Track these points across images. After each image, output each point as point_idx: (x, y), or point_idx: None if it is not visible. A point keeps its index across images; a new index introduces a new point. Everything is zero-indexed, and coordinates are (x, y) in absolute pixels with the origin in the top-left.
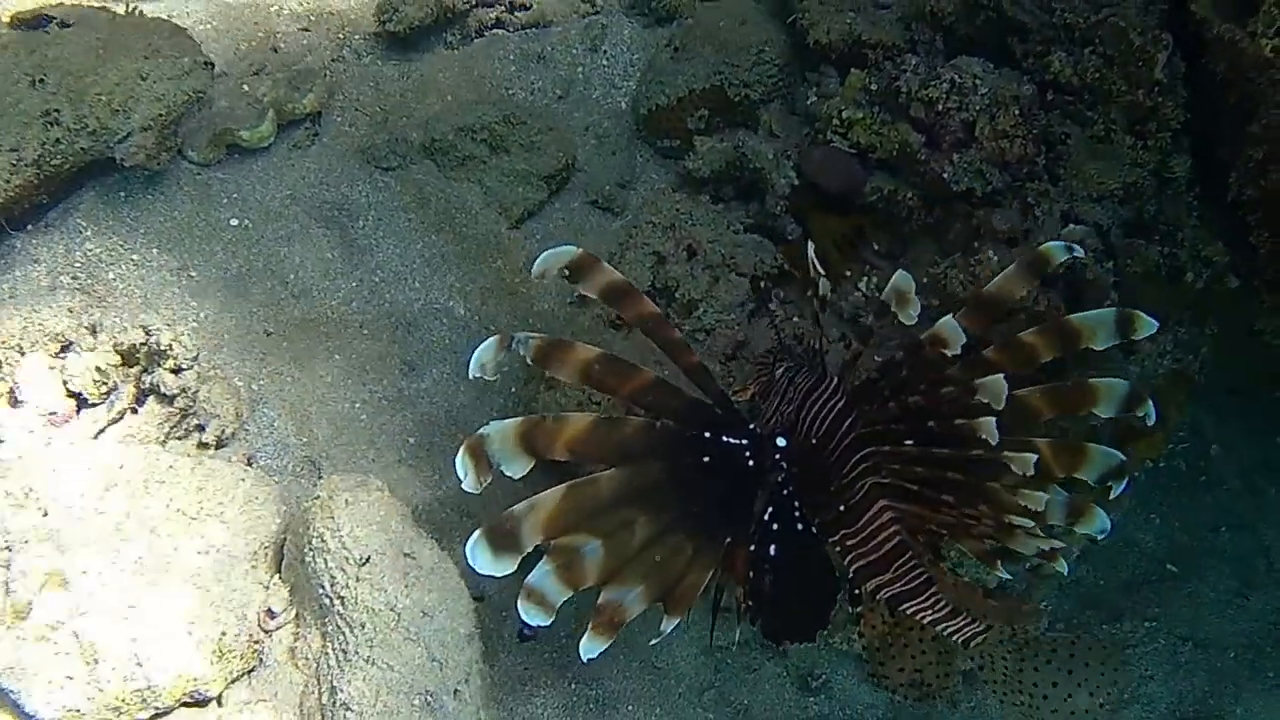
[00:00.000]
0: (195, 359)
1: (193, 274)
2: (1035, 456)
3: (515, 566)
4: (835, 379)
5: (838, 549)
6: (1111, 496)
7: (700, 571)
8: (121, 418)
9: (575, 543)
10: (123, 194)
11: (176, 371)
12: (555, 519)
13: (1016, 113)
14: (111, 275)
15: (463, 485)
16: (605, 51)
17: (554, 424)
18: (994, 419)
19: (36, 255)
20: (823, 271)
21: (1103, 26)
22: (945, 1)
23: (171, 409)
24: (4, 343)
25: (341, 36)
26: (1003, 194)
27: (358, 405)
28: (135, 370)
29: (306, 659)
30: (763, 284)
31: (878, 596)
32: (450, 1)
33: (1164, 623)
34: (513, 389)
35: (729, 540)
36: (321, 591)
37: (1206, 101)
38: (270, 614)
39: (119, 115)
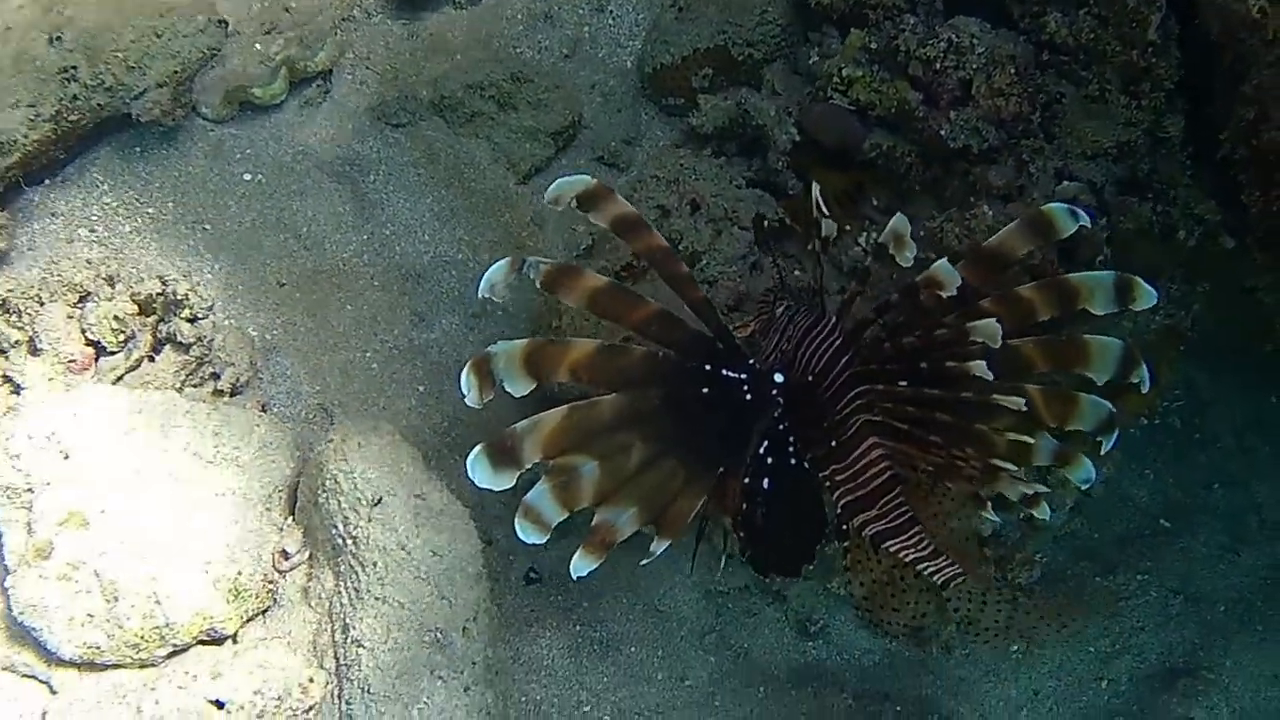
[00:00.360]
0: (211, 309)
1: (207, 227)
2: (1024, 400)
3: (513, 482)
4: (833, 318)
5: (828, 484)
6: (1102, 451)
7: (692, 498)
8: (139, 365)
9: (573, 463)
10: (138, 149)
11: (192, 320)
12: (555, 438)
13: (1012, 71)
14: (128, 228)
15: (465, 400)
16: (611, 11)
17: (559, 346)
18: (985, 361)
19: (54, 209)
20: (826, 212)
21: None
22: None
23: (187, 357)
24: (24, 293)
25: None
26: (999, 151)
27: (369, 354)
28: (152, 319)
29: (319, 598)
30: (766, 223)
31: (863, 533)
32: None
33: (1155, 576)
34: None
35: (721, 470)
36: (335, 532)
37: (1199, 62)
38: (285, 555)
39: (134, 72)
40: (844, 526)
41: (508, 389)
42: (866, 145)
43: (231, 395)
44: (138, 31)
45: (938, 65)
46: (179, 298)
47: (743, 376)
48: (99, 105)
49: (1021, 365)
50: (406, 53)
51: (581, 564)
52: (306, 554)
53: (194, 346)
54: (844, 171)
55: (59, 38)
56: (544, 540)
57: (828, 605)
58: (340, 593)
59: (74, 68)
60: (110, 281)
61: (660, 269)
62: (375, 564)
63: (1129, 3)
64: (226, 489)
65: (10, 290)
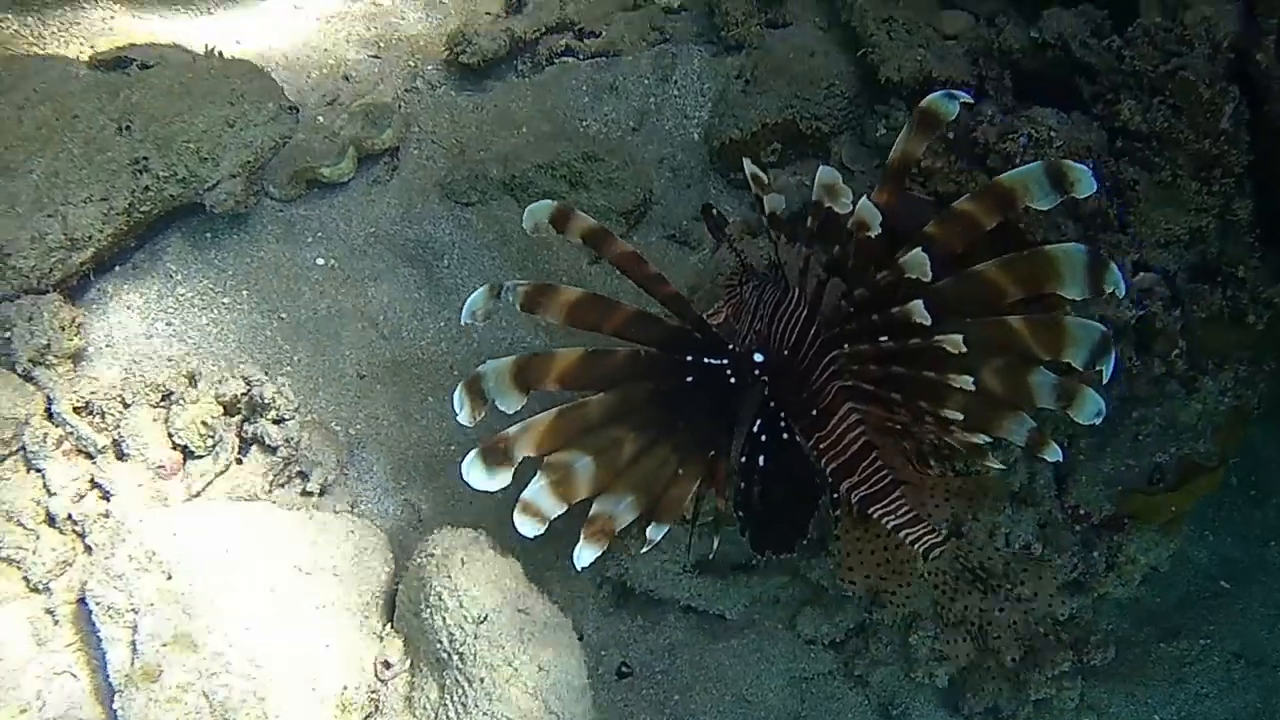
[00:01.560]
0: (297, 409)
1: (283, 316)
2: (961, 336)
3: (509, 480)
4: (796, 289)
5: (814, 453)
6: (1104, 380)
7: (686, 482)
8: (227, 469)
9: (567, 458)
10: (208, 235)
11: (279, 422)
12: (547, 437)
13: (1090, 166)
14: (204, 320)
15: (458, 418)
16: (676, 81)
17: (545, 358)
18: (922, 301)
19: (129, 301)
20: (767, 182)
21: (1172, 78)
22: (1012, 39)
23: (275, 458)
24: (106, 394)
25: (413, 64)
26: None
27: (453, 447)
28: (237, 419)
29: (424, 708)
30: (715, 211)
31: (851, 499)
32: (521, 32)
33: (1217, 640)
34: None
35: (713, 454)
36: (440, 646)
37: (1268, 145)
38: (386, 665)
39: (207, 163)
40: (834, 495)
41: (499, 405)
42: None
43: (321, 495)
44: (209, 121)
45: (1018, 161)
46: (265, 400)
47: (724, 362)
48: (172, 196)
49: (992, 292)
50: (472, 126)
51: (585, 553)
52: (408, 663)
53: (281, 448)
54: None
55: (128, 126)
56: (543, 530)
57: (910, 690)
58: (446, 705)
59: (145, 158)
60: (192, 380)
61: (630, 273)
62: (483, 679)
63: (1203, 93)
64: (327, 600)
65: (93, 392)
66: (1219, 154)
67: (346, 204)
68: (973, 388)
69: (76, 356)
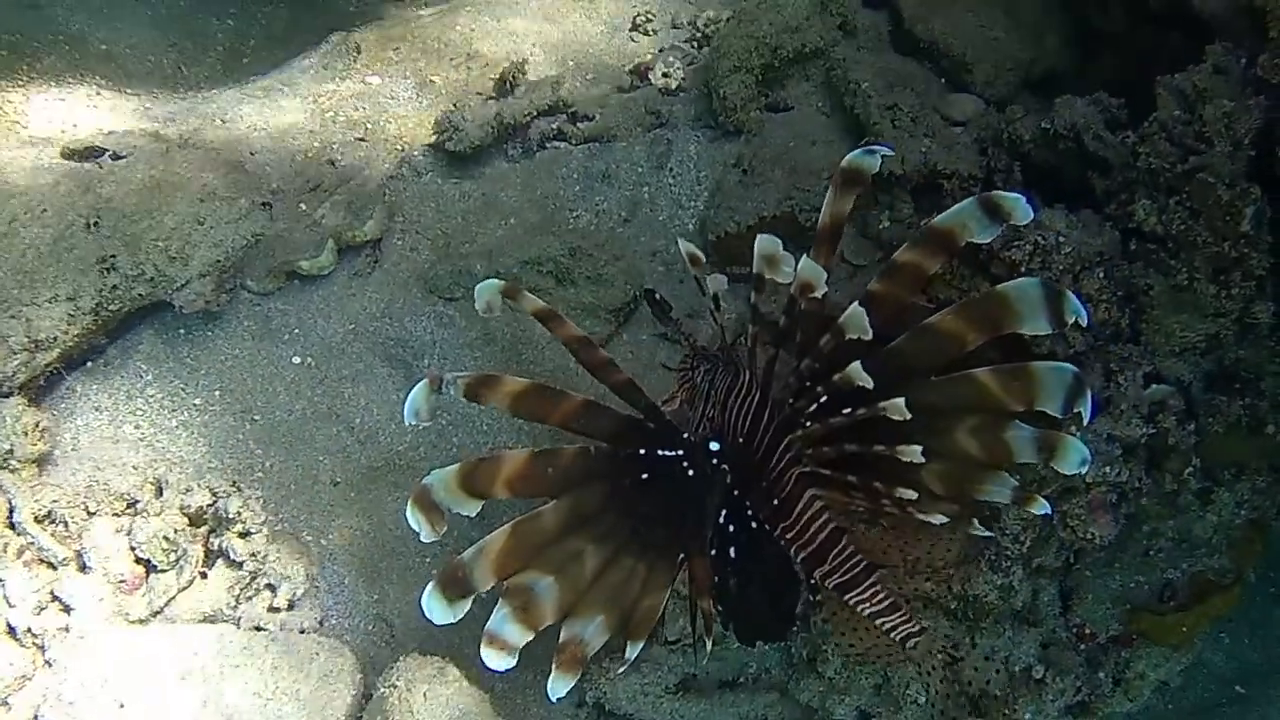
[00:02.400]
0: (265, 522)
1: (257, 418)
2: (902, 400)
3: (467, 610)
4: (747, 373)
5: (783, 542)
6: (1085, 421)
7: (657, 592)
8: (191, 584)
9: (527, 580)
10: (182, 330)
11: (245, 535)
12: (504, 559)
13: (1101, 275)
14: (174, 422)
15: (420, 537)
16: (671, 169)
17: (491, 464)
18: (860, 363)
19: (97, 402)
20: (704, 263)
21: (1190, 179)
22: (1022, 128)
23: (241, 572)
24: (70, 502)
25: (400, 148)
26: (1085, 356)
27: (428, 559)
28: (203, 530)
29: None
30: (658, 296)
31: (827, 584)
32: (511, 118)
33: None
34: None
35: (681, 556)
36: None
37: None
38: None
39: (176, 262)
40: (812, 580)
41: (457, 511)
42: None
43: (289, 609)
44: (178, 218)
45: (1023, 269)
46: (230, 515)
47: (679, 453)
48: (140, 295)
49: (952, 342)
50: (458, 216)
51: (558, 684)
52: None
53: (247, 562)
54: None
55: (96, 223)
56: (513, 664)
57: None
58: None
59: (113, 256)
60: (158, 489)
61: (579, 357)
62: None
63: (1223, 195)
64: None
65: (55, 500)
66: (1239, 257)
67: (326, 298)
68: (921, 459)
69: (41, 461)
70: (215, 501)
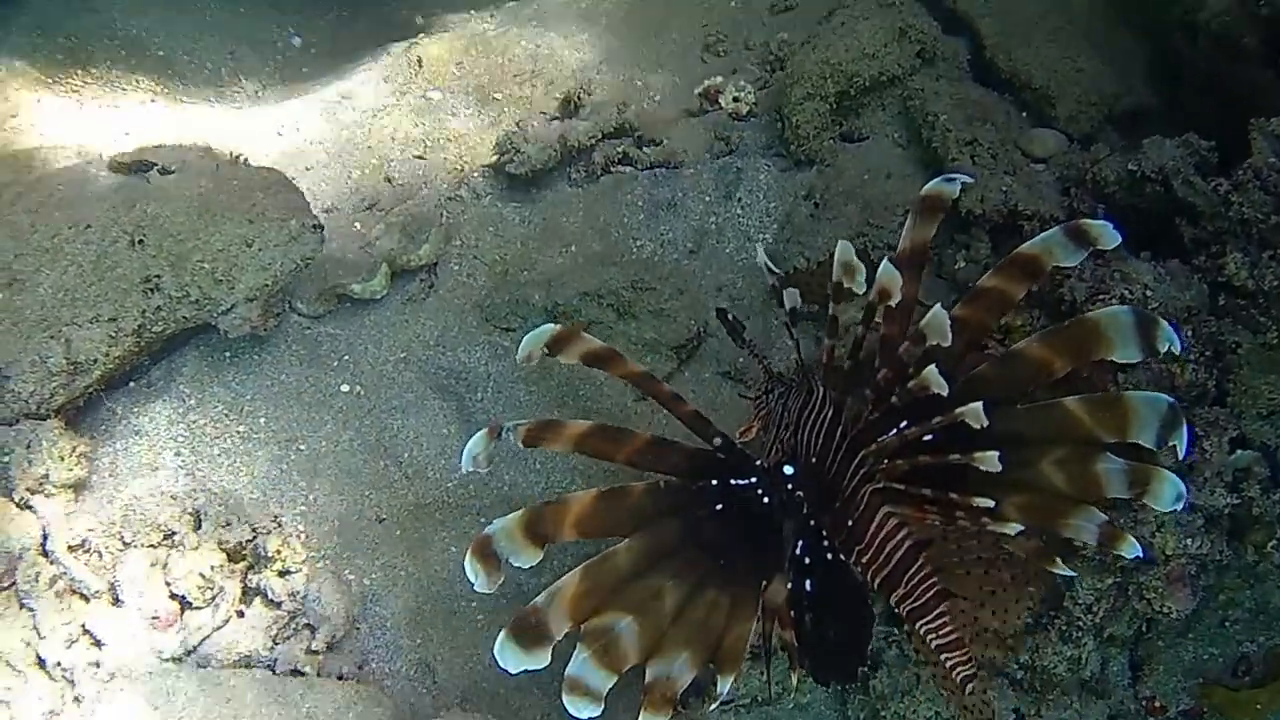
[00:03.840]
0: (305, 561)
1: (302, 448)
2: (980, 405)
3: (549, 658)
4: (821, 389)
5: (858, 567)
6: (1180, 456)
7: (743, 623)
8: (226, 623)
9: (607, 622)
10: (227, 354)
11: (285, 574)
12: (579, 602)
13: (1189, 333)
14: (216, 450)
15: (474, 587)
16: (740, 199)
17: (557, 507)
18: (935, 366)
19: (138, 425)
20: (780, 273)
21: None
22: (1108, 169)
23: (279, 612)
24: (105, 531)
25: (459, 167)
26: None
27: (474, 603)
28: (241, 566)
29: None
30: (731, 316)
31: (901, 609)
32: (575, 140)
33: None
34: None
35: (764, 583)
36: None
37: None
38: None
39: (222, 285)
40: (895, 611)
41: (515, 563)
42: None
43: (328, 651)
44: (225, 239)
45: None
46: (269, 554)
47: (753, 480)
48: (184, 317)
49: (1039, 369)
50: (518, 242)
51: None
52: None
53: (285, 602)
54: None
55: (141, 241)
56: (600, 711)
57: None
58: None
59: (158, 276)
60: (197, 521)
61: (645, 390)
62: None
63: None
64: None
65: (90, 530)
66: None
67: (377, 323)
68: (998, 466)
69: (78, 486)
70: (255, 538)
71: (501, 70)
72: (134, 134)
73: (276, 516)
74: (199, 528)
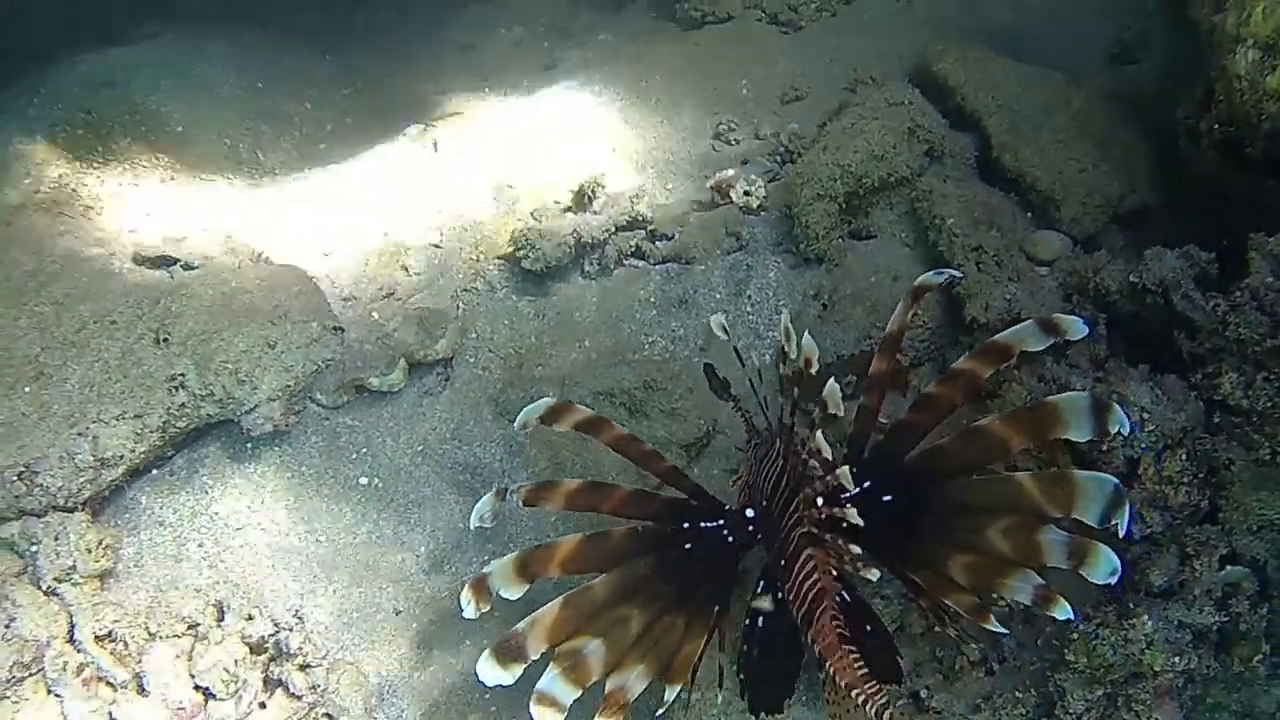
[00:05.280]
0: (325, 655)
1: (321, 539)
2: (847, 468)
3: (519, 674)
4: (777, 440)
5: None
6: (1120, 534)
7: (694, 641)
8: (249, 715)
9: (577, 645)
10: (249, 445)
11: (305, 668)
12: (556, 628)
13: (1183, 456)
14: (238, 543)
15: (463, 613)
16: (750, 296)
17: (547, 549)
18: (849, 468)
19: (162, 517)
20: (794, 336)
21: None
22: (1109, 278)
23: (300, 704)
24: (131, 622)
25: (475, 256)
26: (1161, 536)
27: (488, 696)
28: (264, 658)
29: None
30: (717, 373)
31: (815, 647)
32: (589, 236)
33: None
34: None
35: (717, 609)
36: None
37: None
38: None
39: (245, 385)
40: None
41: (503, 594)
42: None
43: None
44: (249, 340)
45: (1104, 446)
46: (291, 649)
47: (720, 523)
48: (208, 414)
49: (997, 446)
50: (532, 335)
51: None
52: None
53: (306, 695)
54: None
55: (166, 339)
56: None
57: None
58: None
59: (182, 375)
60: (220, 613)
61: (626, 454)
62: None
63: None
64: None
65: (116, 620)
66: None
67: (395, 415)
68: (859, 521)
69: (104, 576)
70: (277, 633)
71: (517, 156)
72: (155, 215)
73: (298, 610)
74: (222, 620)
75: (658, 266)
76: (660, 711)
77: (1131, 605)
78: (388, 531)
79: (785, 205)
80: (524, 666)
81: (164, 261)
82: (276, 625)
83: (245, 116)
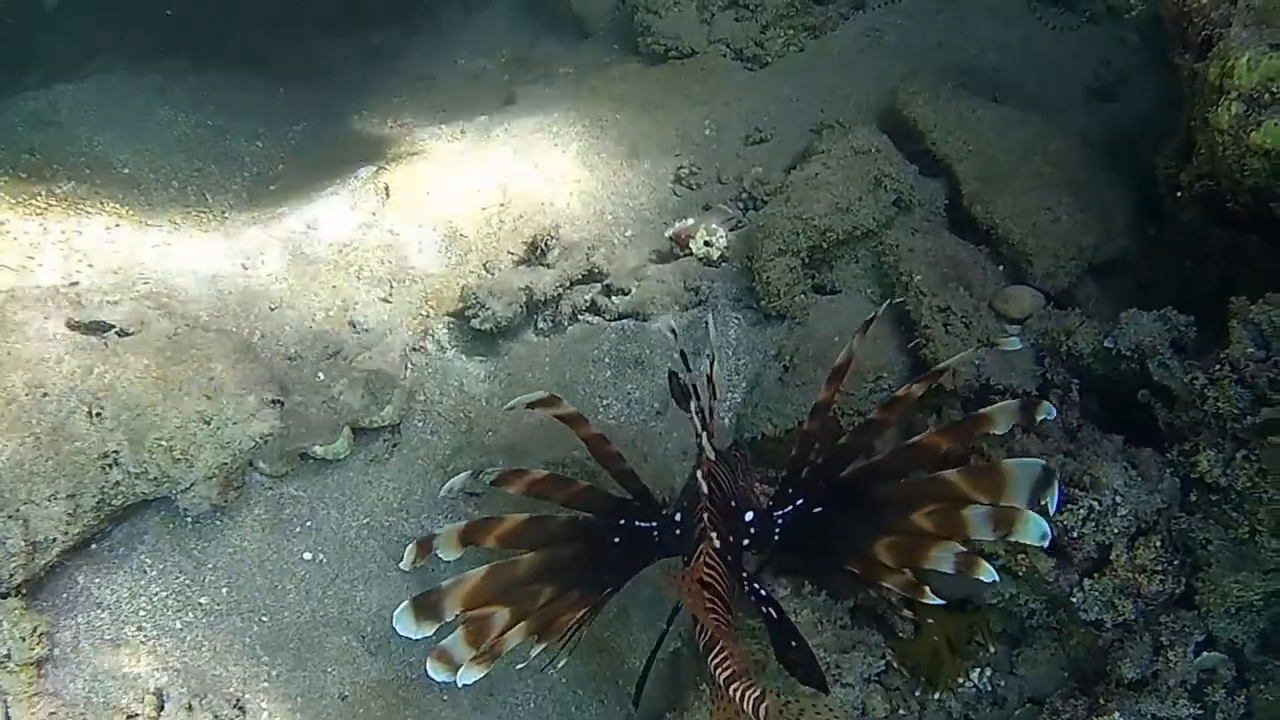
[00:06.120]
0: None
1: (264, 619)
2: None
3: (432, 632)
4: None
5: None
6: (1051, 511)
7: (573, 611)
8: None
9: (487, 613)
10: (189, 519)
11: None
12: (476, 593)
13: (1158, 544)
14: (178, 624)
15: (401, 565)
16: (709, 356)
17: (492, 522)
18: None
19: (99, 598)
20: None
21: (1261, 437)
22: (1083, 341)
23: None
24: (68, 713)
25: (424, 312)
26: (1134, 625)
27: None
28: None
29: None
30: (679, 379)
31: (699, 642)
32: (541, 293)
33: None
34: None
35: (608, 591)
36: None
37: None
38: None
39: (181, 463)
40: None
41: (440, 555)
42: (988, 594)
43: None
44: (184, 416)
45: (1075, 534)
46: None
47: (653, 524)
48: (143, 493)
49: (926, 456)
50: (482, 398)
51: (469, 675)
52: None
53: None
54: (961, 614)
55: (99, 413)
56: (451, 679)
57: None
58: None
59: (116, 451)
60: (160, 700)
61: (592, 448)
62: None
63: None
64: None
65: (53, 713)
66: None
67: (340, 484)
68: (707, 528)
69: (40, 663)
70: None
71: (468, 200)
72: (97, 266)
73: (239, 699)
74: (162, 709)
75: (613, 324)
76: (520, 666)
77: (1102, 700)
78: (333, 611)
79: (746, 256)
80: (437, 626)
81: (99, 327)
82: (216, 717)
83: (194, 157)
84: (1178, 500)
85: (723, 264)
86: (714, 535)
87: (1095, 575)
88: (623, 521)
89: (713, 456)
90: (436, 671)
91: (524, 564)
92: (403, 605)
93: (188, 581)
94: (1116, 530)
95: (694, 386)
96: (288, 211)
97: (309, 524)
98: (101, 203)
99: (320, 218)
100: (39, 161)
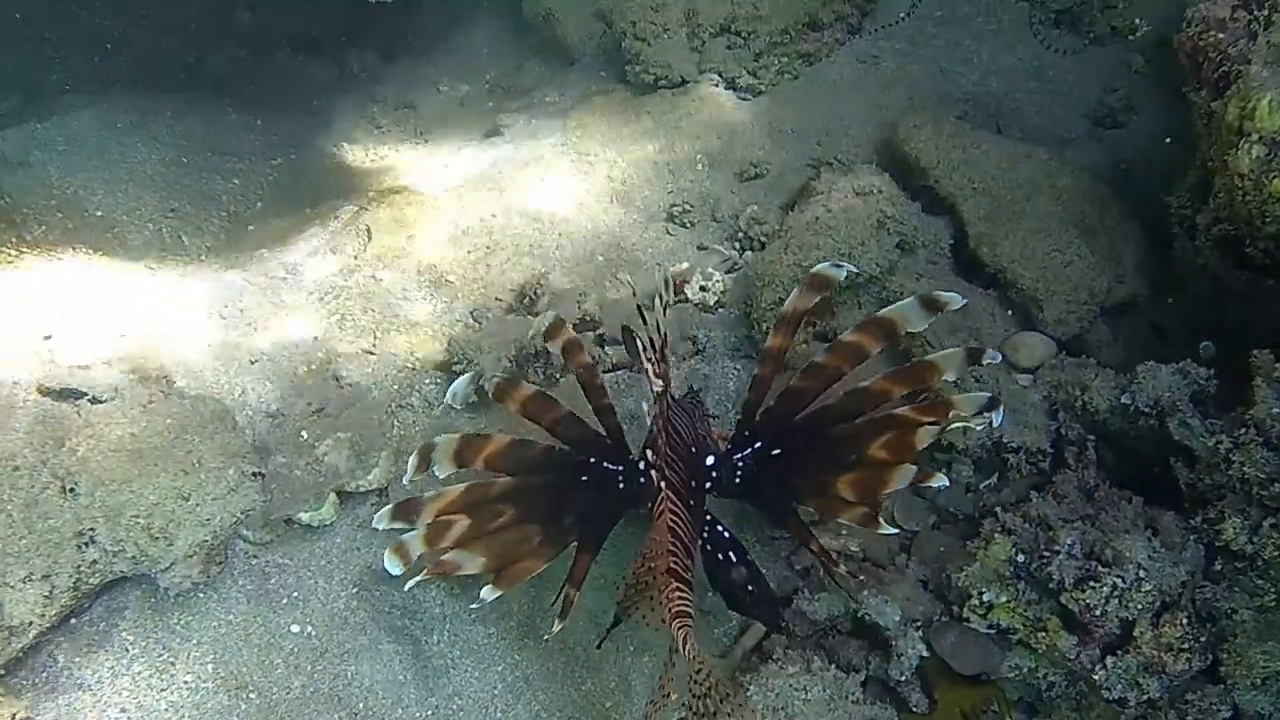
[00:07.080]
0: None
1: (252, 696)
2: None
3: (409, 577)
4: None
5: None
6: (994, 425)
7: (535, 560)
8: None
9: (451, 519)
10: (172, 593)
11: None
12: (449, 505)
13: (1184, 620)
14: (163, 704)
15: (404, 478)
16: (708, 410)
17: (482, 439)
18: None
19: (80, 678)
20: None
21: None
22: (1098, 397)
23: None
24: None
25: (411, 365)
26: (1159, 703)
27: None
28: None
29: None
30: (633, 334)
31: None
32: (530, 346)
33: None
34: None
35: (576, 545)
36: None
37: None
38: None
39: (159, 542)
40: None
41: (435, 472)
42: (1005, 667)
43: None
44: (161, 492)
45: (1097, 611)
46: None
47: (620, 469)
48: (121, 571)
49: (878, 400)
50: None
51: (413, 579)
52: None
53: None
54: (976, 686)
55: (73, 489)
56: (401, 571)
57: None
58: None
59: (92, 529)
60: None
61: (581, 376)
62: None
63: None
64: None
65: None
66: None
67: (328, 552)
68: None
69: None
70: None
71: (455, 243)
72: (69, 319)
73: None
74: None
75: (606, 375)
76: (473, 606)
77: None
78: (323, 687)
79: (744, 301)
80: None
81: (71, 394)
82: None
83: (169, 197)
84: (1202, 568)
85: (719, 309)
86: (670, 474)
87: (1118, 652)
88: (592, 460)
89: (670, 402)
90: (392, 564)
91: (498, 486)
92: (386, 508)
93: (171, 659)
94: (1140, 607)
95: (649, 337)
96: (266, 255)
97: (295, 595)
98: (74, 248)
99: (300, 262)
100: (7, 205)
